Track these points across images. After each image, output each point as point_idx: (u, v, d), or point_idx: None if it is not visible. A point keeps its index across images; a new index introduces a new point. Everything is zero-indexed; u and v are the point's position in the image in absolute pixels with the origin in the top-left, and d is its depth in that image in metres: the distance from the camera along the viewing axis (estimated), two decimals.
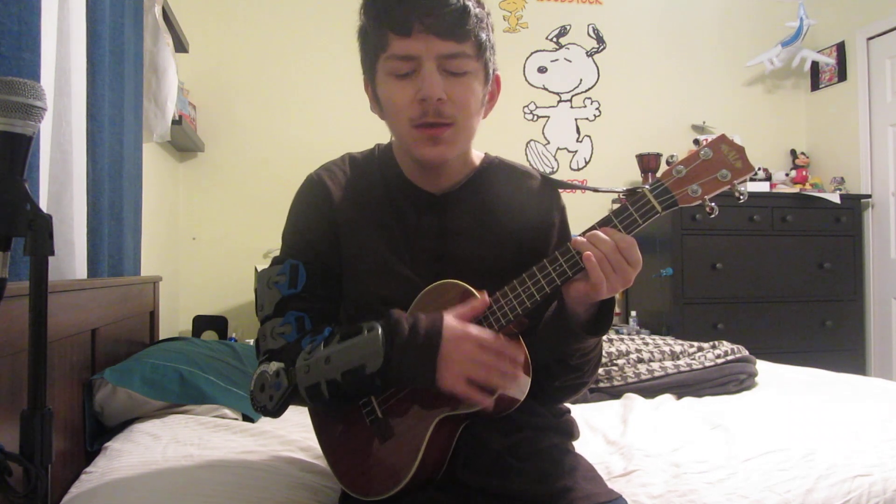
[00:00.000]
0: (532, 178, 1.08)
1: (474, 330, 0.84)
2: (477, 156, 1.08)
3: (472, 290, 0.91)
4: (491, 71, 0.98)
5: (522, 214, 1.04)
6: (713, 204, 0.82)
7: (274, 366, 0.93)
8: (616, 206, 1.05)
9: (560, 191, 1.10)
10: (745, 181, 0.82)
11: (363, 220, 1.01)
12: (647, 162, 3.53)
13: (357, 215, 1.01)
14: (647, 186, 0.85)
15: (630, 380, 1.90)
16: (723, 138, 0.83)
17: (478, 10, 0.92)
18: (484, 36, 0.93)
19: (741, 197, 0.82)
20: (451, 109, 0.92)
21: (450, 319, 0.85)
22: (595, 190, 1.10)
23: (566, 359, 0.93)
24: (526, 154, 3.64)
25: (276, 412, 0.94)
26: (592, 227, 0.86)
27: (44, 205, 1.35)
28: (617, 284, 0.83)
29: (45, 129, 1.34)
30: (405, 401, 0.93)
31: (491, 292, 0.92)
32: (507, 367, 0.83)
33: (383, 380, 0.85)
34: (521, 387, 0.88)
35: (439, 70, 0.90)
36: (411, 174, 1.03)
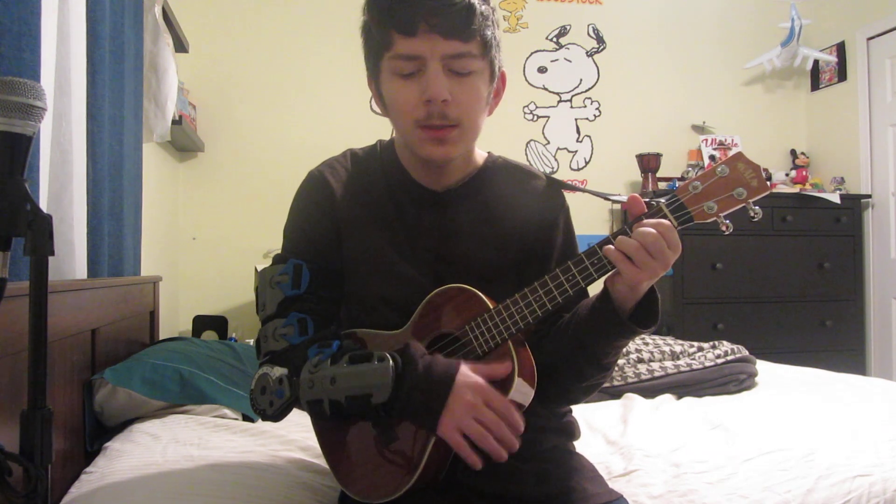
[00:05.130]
0: (536, 179, 1.07)
1: (486, 388, 0.83)
2: (480, 155, 1.07)
3: (482, 295, 0.91)
4: (496, 68, 0.97)
5: (525, 214, 1.03)
6: (728, 221, 0.82)
7: (277, 371, 0.92)
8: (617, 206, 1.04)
9: (566, 192, 1.09)
10: (760, 200, 0.82)
11: (365, 217, 1.00)
12: (647, 162, 3.54)
13: (359, 212, 1.01)
14: (662, 201, 0.84)
15: (630, 380, 1.90)
16: (739, 156, 0.83)
17: (483, 7, 0.91)
18: (489, 34, 0.92)
19: (755, 216, 0.82)
20: (456, 111, 0.91)
21: (465, 372, 0.84)
22: (605, 197, 1.07)
23: (601, 358, 0.92)
24: (526, 154, 3.64)
25: (275, 418, 0.93)
26: (634, 222, 0.85)
27: (44, 205, 1.35)
28: (658, 269, 0.81)
29: (45, 129, 1.34)
30: None
31: (493, 293, 0.92)
32: (506, 433, 0.82)
33: (387, 412, 0.85)
34: (525, 394, 0.87)
35: (444, 70, 0.89)
36: (414, 171, 1.02)
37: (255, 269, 2.87)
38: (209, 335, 2.88)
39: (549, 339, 0.97)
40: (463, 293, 0.92)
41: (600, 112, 3.73)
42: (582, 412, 1.58)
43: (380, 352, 0.87)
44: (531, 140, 3.67)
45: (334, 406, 0.87)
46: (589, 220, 3.48)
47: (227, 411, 1.56)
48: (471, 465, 0.82)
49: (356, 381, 0.85)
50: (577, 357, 0.92)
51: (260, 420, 1.54)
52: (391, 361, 0.85)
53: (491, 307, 0.90)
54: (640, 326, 0.86)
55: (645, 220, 0.82)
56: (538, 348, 0.94)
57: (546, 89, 3.70)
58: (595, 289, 0.90)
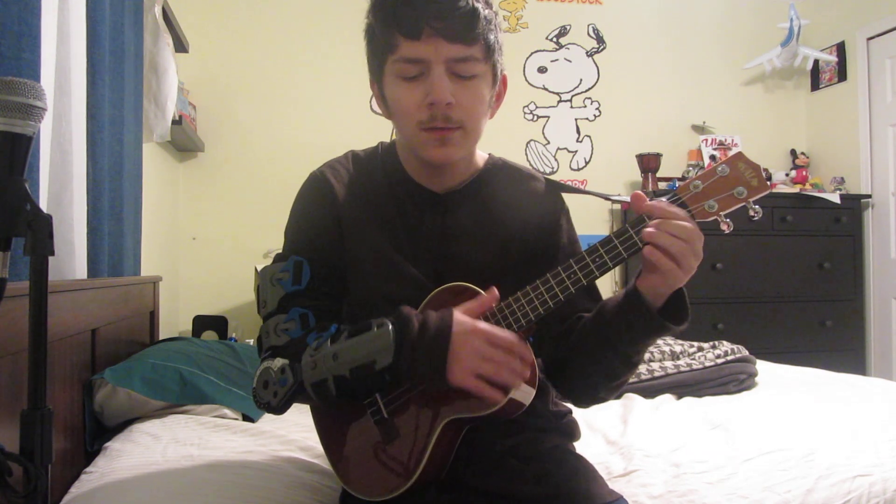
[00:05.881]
0: (536, 181, 1.08)
1: (484, 325, 0.84)
2: (481, 156, 1.07)
3: (484, 294, 0.91)
4: (499, 72, 0.97)
5: (526, 216, 1.04)
6: (728, 220, 0.83)
7: (279, 362, 0.92)
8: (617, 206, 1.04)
9: (566, 193, 1.10)
10: (759, 199, 0.83)
11: (367, 218, 1.01)
12: (647, 162, 3.54)
13: (361, 213, 1.01)
14: (664, 199, 0.85)
15: (630, 380, 1.90)
16: (740, 156, 0.84)
17: (487, 11, 0.91)
18: (493, 38, 0.93)
19: (755, 215, 0.82)
20: (459, 113, 0.92)
21: (459, 315, 0.85)
22: (606, 197, 1.07)
23: (632, 356, 0.92)
24: (526, 154, 3.64)
25: (280, 409, 0.93)
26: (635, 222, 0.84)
27: (44, 205, 1.35)
28: (693, 262, 0.82)
29: (45, 129, 1.34)
30: (412, 401, 0.92)
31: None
32: (517, 363, 0.83)
33: (393, 376, 0.85)
34: (526, 394, 0.87)
35: (448, 73, 0.90)
36: (415, 173, 1.03)
37: (255, 269, 2.88)
38: (209, 335, 2.88)
39: (575, 340, 0.97)
40: (466, 291, 0.93)
41: (600, 112, 3.73)
42: (582, 412, 1.58)
43: (378, 319, 0.87)
44: (531, 140, 3.67)
45: (339, 382, 0.86)
46: (589, 220, 3.49)
47: (227, 411, 1.56)
48: (494, 402, 0.83)
49: (358, 350, 0.86)
50: (607, 357, 0.93)
51: (262, 418, 1.55)
52: (390, 325, 0.85)
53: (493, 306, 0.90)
54: (672, 323, 0.87)
55: (666, 211, 0.81)
56: (564, 350, 0.95)
57: (546, 89, 3.70)
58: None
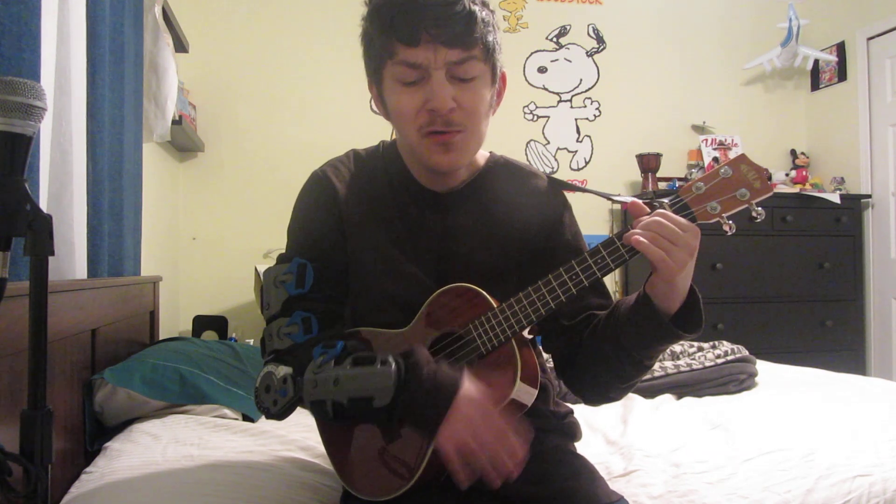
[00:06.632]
0: (537, 178, 1.08)
1: (488, 405, 0.82)
2: (482, 155, 1.07)
3: (486, 294, 0.91)
4: (498, 70, 0.97)
5: (528, 214, 1.04)
6: (731, 222, 0.83)
7: (282, 370, 0.92)
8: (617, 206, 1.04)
9: (567, 192, 1.10)
10: (762, 201, 0.82)
11: (369, 217, 1.01)
12: (647, 162, 3.53)
13: (363, 212, 1.01)
14: (666, 200, 0.85)
15: None
16: (742, 158, 0.83)
17: (484, 13, 0.91)
18: (491, 39, 0.92)
19: (758, 217, 0.82)
20: (460, 117, 0.92)
21: (469, 385, 0.83)
22: (607, 197, 1.06)
23: (644, 360, 0.92)
24: (526, 154, 3.64)
25: (279, 416, 0.93)
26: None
27: (44, 205, 1.35)
28: (683, 255, 0.82)
29: (45, 129, 1.34)
30: None
31: (495, 293, 0.92)
32: (502, 454, 0.80)
33: (388, 416, 0.85)
34: (527, 394, 0.87)
35: (448, 76, 0.90)
36: (416, 172, 1.03)
37: (255, 270, 2.87)
38: (209, 335, 2.88)
39: (586, 341, 0.97)
40: (468, 292, 0.93)
41: (600, 112, 3.73)
42: (582, 412, 1.58)
43: (384, 354, 0.86)
44: (531, 140, 3.66)
45: (338, 408, 0.87)
46: (589, 220, 3.48)
47: (227, 411, 1.56)
48: (457, 482, 0.81)
49: (358, 383, 0.85)
50: (618, 360, 0.93)
51: (263, 418, 1.55)
52: (394, 366, 0.84)
53: (495, 306, 0.90)
54: (684, 331, 0.86)
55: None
56: (574, 349, 0.95)
57: (546, 89, 3.69)
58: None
